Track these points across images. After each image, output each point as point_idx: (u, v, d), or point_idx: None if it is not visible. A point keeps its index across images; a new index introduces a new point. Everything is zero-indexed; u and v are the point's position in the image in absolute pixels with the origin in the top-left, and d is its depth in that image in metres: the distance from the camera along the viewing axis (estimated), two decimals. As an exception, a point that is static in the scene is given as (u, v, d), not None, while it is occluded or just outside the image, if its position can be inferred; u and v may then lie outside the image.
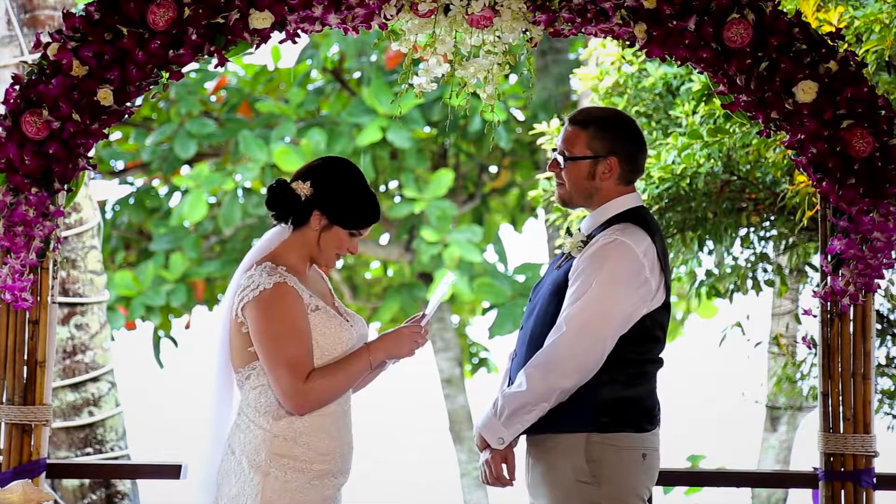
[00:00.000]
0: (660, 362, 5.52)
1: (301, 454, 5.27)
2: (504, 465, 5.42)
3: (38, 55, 5.87)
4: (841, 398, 5.86)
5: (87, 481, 8.95)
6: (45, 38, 5.83)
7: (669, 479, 6.48)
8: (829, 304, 5.86)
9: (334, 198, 5.36)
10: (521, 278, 14.52)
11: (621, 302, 5.36)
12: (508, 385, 5.50)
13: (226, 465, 5.33)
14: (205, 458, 5.42)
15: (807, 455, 6.90)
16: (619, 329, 5.36)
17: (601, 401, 5.38)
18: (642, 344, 5.43)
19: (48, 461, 5.99)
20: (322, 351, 5.30)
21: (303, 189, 5.37)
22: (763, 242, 8.21)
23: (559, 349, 5.34)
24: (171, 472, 6.29)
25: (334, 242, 5.39)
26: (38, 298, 5.91)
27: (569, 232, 5.57)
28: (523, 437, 5.49)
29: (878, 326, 8.00)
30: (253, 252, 5.41)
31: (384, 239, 14.91)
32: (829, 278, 5.85)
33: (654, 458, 5.46)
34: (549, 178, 8.17)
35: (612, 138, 5.53)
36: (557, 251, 5.83)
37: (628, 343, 5.39)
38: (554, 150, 5.63)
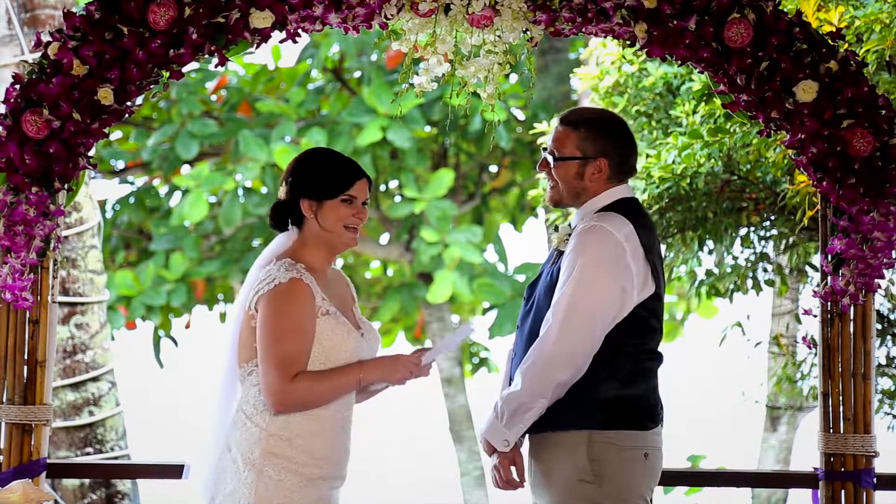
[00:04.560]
0: (659, 358, 5.52)
1: (294, 455, 5.27)
2: (513, 468, 5.43)
3: (38, 54, 5.87)
4: (841, 398, 5.86)
5: (87, 481, 8.95)
6: (45, 38, 5.84)
7: (669, 479, 6.48)
8: (829, 303, 5.86)
9: (306, 178, 5.39)
10: (521, 278, 14.51)
11: (604, 286, 5.35)
12: (509, 385, 5.51)
13: (222, 462, 5.34)
14: (206, 455, 5.43)
15: (807, 455, 6.90)
16: (607, 314, 5.35)
17: (601, 397, 5.38)
18: (639, 335, 5.43)
19: (48, 461, 5.99)
20: (326, 355, 5.31)
21: (282, 192, 5.44)
22: (763, 242, 8.21)
23: (549, 341, 5.34)
24: (173, 471, 6.29)
25: (332, 216, 5.38)
26: (39, 298, 5.91)
27: (556, 228, 5.59)
28: (527, 437, 5.50)
29: (879, 326, 8.00)
30: (266, 252, 5.44)
31: (384, 239, 14.91)
32: (829, 278, 5.85)
33: (656, 457, 5.46)
34: (549, 178, 8.17)
35: (602, 140, 5.54)
36: (557, 250, 5.84)
37: (624, 335, 5.39)
38: (544, 148, 5.64)
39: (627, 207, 5.50)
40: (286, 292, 5.26)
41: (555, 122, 5.67)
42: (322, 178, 5.38)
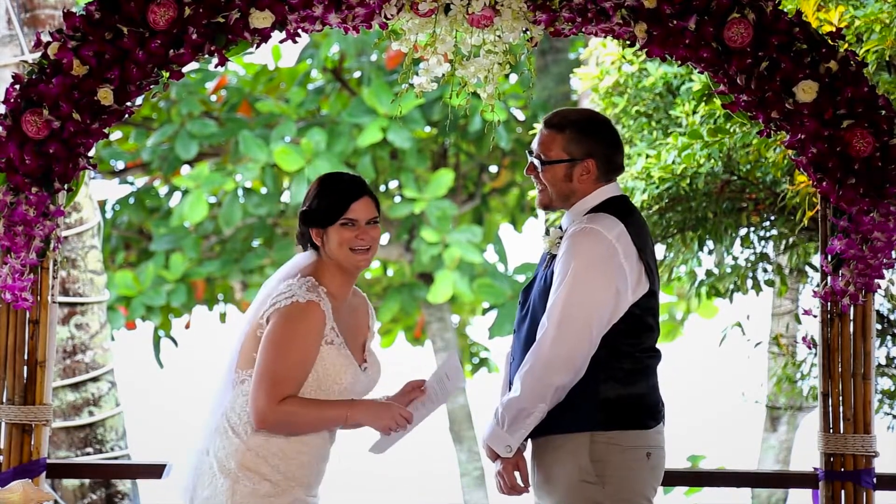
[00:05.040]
0: (657, 355, 5.51)
1: (267, 473, 5.27)
2: (517, 473, 5.42)
3: (38, 54, 5.87)
4: (841, 398, 5.86)
5: (87, 481, 8.95)
6: (45, 38, 5.84)
7: (669, 479, 6.46)
8: (829, 304, 5.86)
9: (309, 208, 5.40)
10: (521, 278, 14.52)
11: (598, 288, 5.35)
12: (508, 390, 5.50)
13: (201, 466, 5.35)
14: (188, 456, 5.44)
15: (807, 455, 6.90)
16: (602, 316, 5.35)
17: (602, 398, 5.38)
18: (636, 335, 5.42)
19: (48, 461, 5.99)
20: (318, 384, 5.31)
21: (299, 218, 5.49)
22: (763, 242, 8.21)
23: (545, 346, 5.34)
24: (159, 471, 6.30)
25: (336, 241, 5.37)
26: (39, 298, 5.91)
27: (547, 232, 5.58)
28: (529, 441, 5.49)
29: (878, 326, 8.00)
30: (288, 266, 5.44)
31: (384, 239, 14.91)
32: (829, 278, 5.85)
33: (658, 456, 5.45)
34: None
35: (588, 141, 5.52)
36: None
37: (622, 335, 5.39)
38: (530, 152, 5.63)
39: (617, 206, 5.49)
40: (300, 313, 5.25)
41: (539, 125, 5.66)
42: (320, 205, 5.39)
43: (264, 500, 5.26)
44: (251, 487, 5.26)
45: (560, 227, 5.57)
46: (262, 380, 5.23)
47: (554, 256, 5.50)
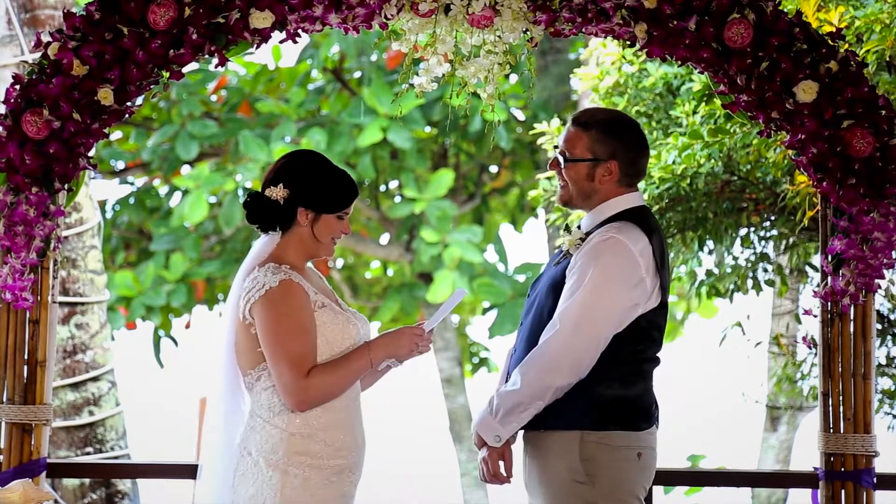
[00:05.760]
0: (656, 361, 5.51)
1: (319, 451, 5.29)
2: (501, 463, 5.42)
3: (38, 55, 5.87)
4: (841, 398, 5.87)
5: (87, 481, 8.95)
6: (45, 38, 5.84)
7: (669, 479, 6.48)
8: (829, 304, 5.86)
9: (311, 189, 5.40)
10: (521, 278, 14.52)
11: (616, 299, 5.35)
12: (506, 382, 5.50)
13: (242, 467, 5.34)
14: (216, 462, 5.43)
15: (807, 455, 6.90)
16: (614, 327, 5.36)
17: (596, 399, 5.37)
18: (638, 343, 5.42)
19: (48, 461, 5.99)
20: (331, 347, 5.33)
21: (279, 193, 5.41)
22: (763, 242, 8.21)
23: (553, 346, 5.34)
24: (173, 471, 6.30)
25: (327, 230, 5.42)
26: (39, 298, 5.92)
27: (567, 229, 5.57)
28: (521, 434, 5.49)
29: (879, 326, 8.00)
30: (249, 259, 5.44)
31: (384, 239, 14.92)
32: (829, 278, 5.85)
33: (649, 457, 5.45)
34: (549, 178, 8.17)
35: (614, 142, 5.52)
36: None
37: (624, 342, 5.39)
38: (555, 147, 5.63)
39: (641, 216, 5.48)
40: (281, 294, 5.27)
41: (556, 122, 5.65)
42: (327, 192, 5.40)
43: (315, 493, 5.28)
44: (302, 477, 5.27)
45: (579, 227, 5.56)
46: (282, 368, 5.25)
47: (567, 254, 5.50)
